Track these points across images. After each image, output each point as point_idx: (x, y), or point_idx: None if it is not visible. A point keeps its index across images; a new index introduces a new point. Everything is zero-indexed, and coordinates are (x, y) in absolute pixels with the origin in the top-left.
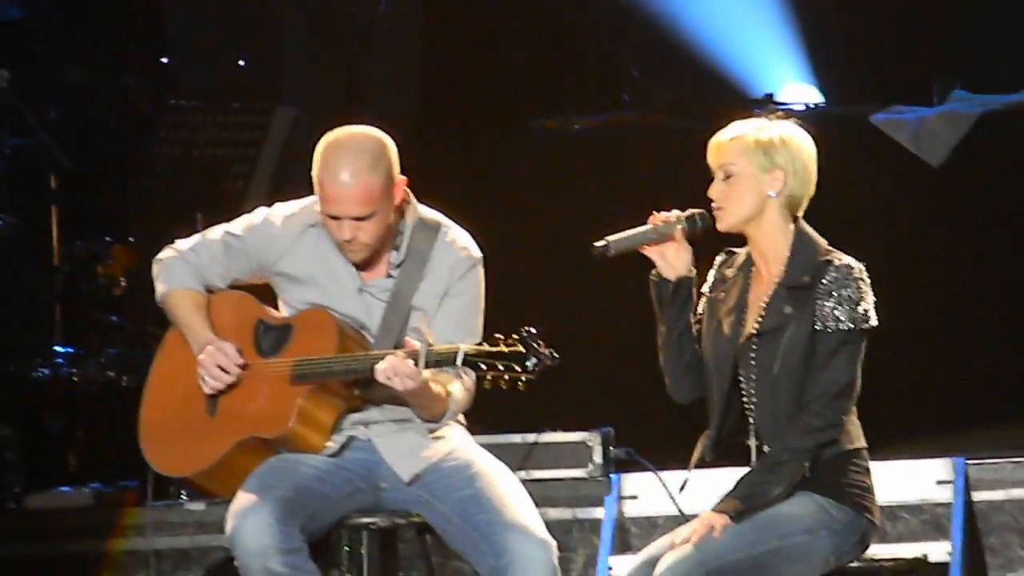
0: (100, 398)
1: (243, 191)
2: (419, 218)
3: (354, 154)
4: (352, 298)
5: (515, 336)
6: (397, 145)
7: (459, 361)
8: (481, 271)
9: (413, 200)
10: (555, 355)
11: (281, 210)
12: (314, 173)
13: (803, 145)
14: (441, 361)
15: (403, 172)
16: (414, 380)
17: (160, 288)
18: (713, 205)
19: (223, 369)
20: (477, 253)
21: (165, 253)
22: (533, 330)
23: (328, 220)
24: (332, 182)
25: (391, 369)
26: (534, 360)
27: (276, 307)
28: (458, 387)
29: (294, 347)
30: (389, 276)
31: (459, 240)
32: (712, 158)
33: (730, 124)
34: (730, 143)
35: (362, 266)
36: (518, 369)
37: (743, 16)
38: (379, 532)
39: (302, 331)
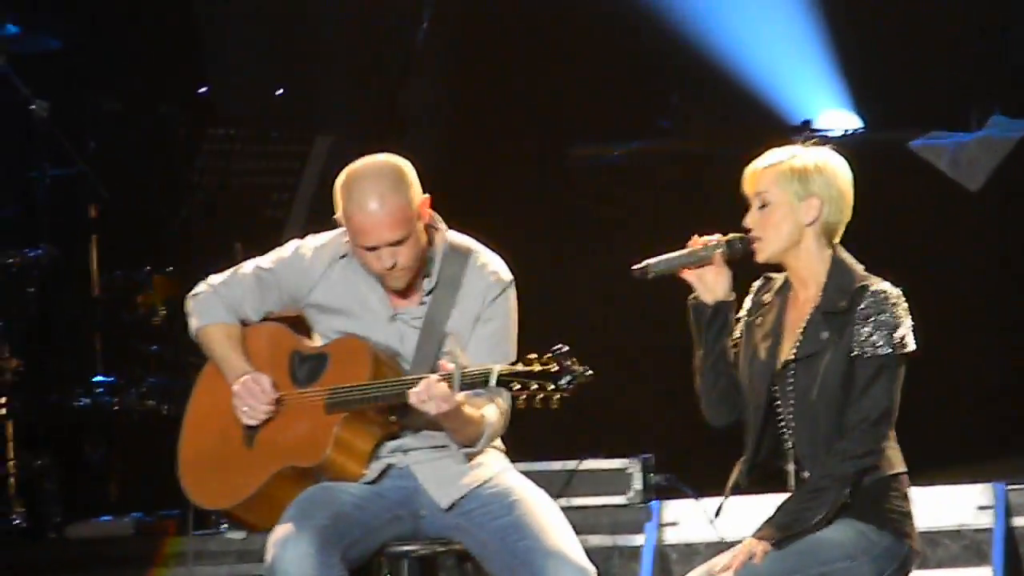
0: (140, 427)
1: (283, 220)
2: (449, 244)
3: (376, 181)
4: (384, 326)
5: (548, 355)
6: (434, 171)
7: (492, 381)
8: (513, 294)
9: (443, 226)
10: (588, 372)
11: (311, 242)
12: (340, 210)
13: (838, 171)
14: (475, 383)
15: (441, 198)
16: (448, 403)
17: (194, 323)
18: (751, 235)
19: (259, 401)
20: (508, 276)
21: (198, 288)
22: (566, 348)
23: (364, 254)
24: (362, 212)
25: (424, 392)
26: (568, 377)
27: (310, 336)
28: (492, 410)
29: (329, 376)
30: (421, 303)
31: (490, 264)
32: (747, 187)
33: (765, 152)
34: (765, 171)
35: (394, 294)
36: (552, 387)
37: (782, 43)
38: (419, 560)
39: (336, 359)
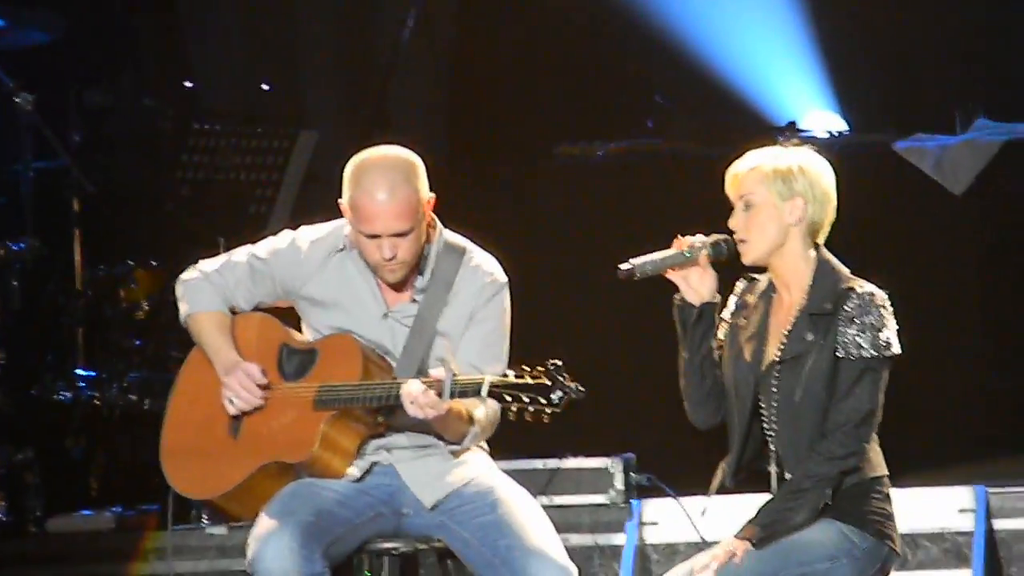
0: (122, 422)
1: (266, 215)
2: (444, 242)
3: (388, 171)
4: (377, 323)
5: (541, 368)
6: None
7: (484, 392)
8: (507, 296)
9: (439, 224)
10: (581, 389)
11: (307, 234)
12: (347, 195)
13: (821, 172)
14: (466, 391)
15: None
16: (436, 410)
17: (184, 308)
18: (736, 237)
19: (248, 392)
20: (503, 278)
21: (189, 274)
22: (559, 362)
23: (365, 241)
24: (370, 200)
25: (414, 398)
26: (559, 393)
27: (299, 329)
28: (482, 410)
29: (318, 372)
30: (413, 301)
31: (484, 265)
32: (731, 189)
33: (746, 154)
34: (748, 173)
35: (387, 291)
36: (543, 402)
37: (767, 44)
38: (400, 557)
39: (326, 356)
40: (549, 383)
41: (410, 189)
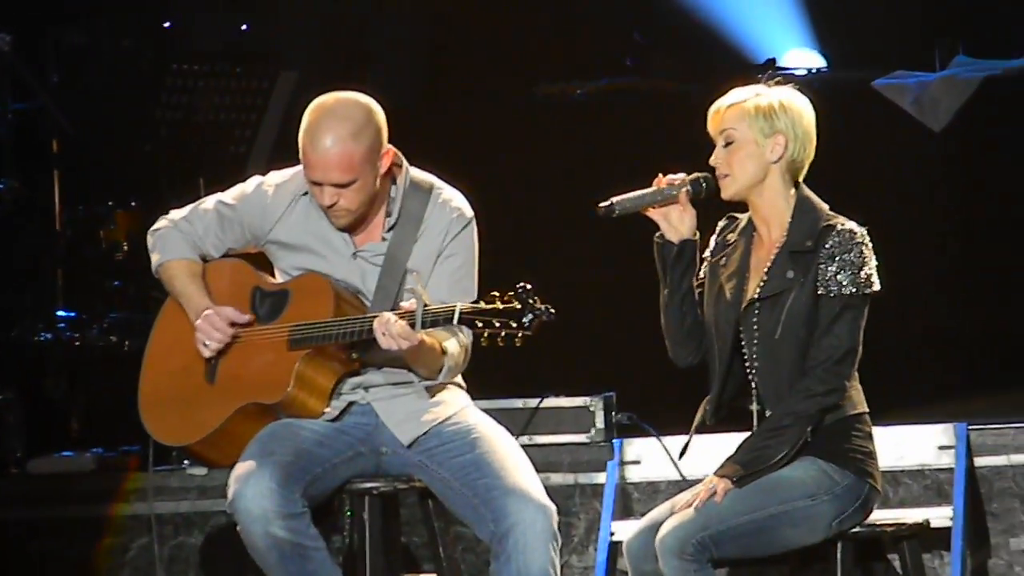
0: (102, 363)
1: (246, 156)
2: (410, 180)
3: (338, 121)
4: (346, 263)
5: (510, 293)
6: (401, 109)
7: (455, 320)
8: (474, 230)
9: (404, 163)
10: (551, 310)
11: (274, 178)
12: (299, 138)
13: (803, 110)
14: (437, 321)
15: (406, 136)
16: (409, 340)
17: (155, 259)
18: (717, 172)
19: (219, 331)
20: (469, 212)
21: (159, 224)
22: (529, 286)
23: (311, 185)
24: (313, 148)
25: (386, 329)
26: (530, 316)
27: (272, 273)
28: (454, 343)
29: (291, 312)
30: (383, 240)
31: (452, 200)
32: (712, 125)
33: (729, 91)
34: (730, 110)
35: (355, 231)
36: (514, 325)
37: None
38: (381, 497)
39: (298, 296)
40: (519, 306)
41: (356, 144)
